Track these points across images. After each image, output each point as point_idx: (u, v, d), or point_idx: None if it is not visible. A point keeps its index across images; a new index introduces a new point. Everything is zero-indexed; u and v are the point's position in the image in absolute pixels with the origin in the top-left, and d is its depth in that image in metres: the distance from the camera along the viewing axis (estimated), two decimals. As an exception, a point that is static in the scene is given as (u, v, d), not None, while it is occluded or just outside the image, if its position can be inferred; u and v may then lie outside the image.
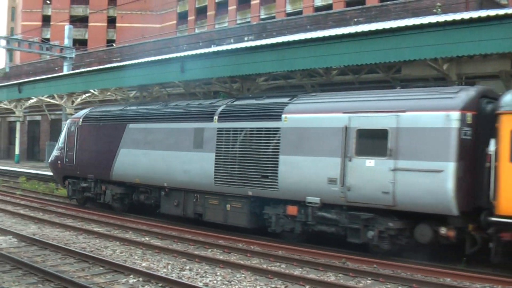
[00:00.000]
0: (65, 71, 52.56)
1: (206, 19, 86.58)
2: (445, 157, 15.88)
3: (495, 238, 15.28)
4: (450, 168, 15.73)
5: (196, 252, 18.10)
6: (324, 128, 18.71)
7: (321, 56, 21.64)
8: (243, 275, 15.24)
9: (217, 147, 21.82)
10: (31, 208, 28.70)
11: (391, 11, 36.84)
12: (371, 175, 17.31)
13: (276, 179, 19.64)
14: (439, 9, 32.30)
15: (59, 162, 30.34)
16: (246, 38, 43.59)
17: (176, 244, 19.83)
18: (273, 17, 67.79)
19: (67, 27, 59.40)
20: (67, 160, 29.60)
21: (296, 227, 19.58)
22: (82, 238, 20.60)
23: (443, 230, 16.11)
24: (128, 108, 27.85)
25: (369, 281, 15.05)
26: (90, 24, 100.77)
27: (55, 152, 31.08)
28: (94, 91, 37.18)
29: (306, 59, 22.02)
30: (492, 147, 15.30)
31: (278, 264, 16.98)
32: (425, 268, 15.95)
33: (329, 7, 62.88)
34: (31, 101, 45.89)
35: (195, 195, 22.91)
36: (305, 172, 18.93)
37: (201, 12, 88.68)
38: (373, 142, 17.50)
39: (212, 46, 42.26)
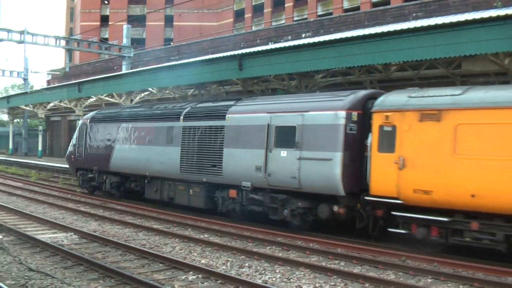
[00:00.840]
0: (124, 70, 53.25)
1: (263, 17, 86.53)
2: (334, 148, 19.45)
3: (372, 215, 19.03)
4: (337, 157, 19.30)
5: (255, 250, 18.10)
6: (253, 126, 22.69)
7: (380, 52, 21.49)
8: (302, 273, 15.19)
9: (182, 142, 26.35)
10: (91, 205, 29.11)
11: (450, 6, 36.34)
12: (284, 163, 21.08)
13: (221, 168, 23.86)
14: (499, 3, 31.75)
15: (72, 156, 35.82)
16: (303, 35, 43.48)
17: (235, 242, 19.87)
18: (330, 13, 67.44)
19: (125, 26, 60.13)
20: (78, 154, 34.91)
21: (236, 207, 23.70)
22: (142, 235, 20.80)
23: (335, 208, 19.69)
24: (122, 110, 33.38)
25: (429, 280, 14.84)
26: (147, 23, 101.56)
27: (70, 148, 36.52)
28: (153, 89, 37.48)
29: (365, 55, 21.89)
30: (368, 139, 18.81)
31: (337, 262, 16.86)
32: (487, 267, 15.65)
33: (387, 2, 62.22)
34: (91, 100, 46.43)
35: (168, 182, 27.44)
36: (240, 162, 22.98)
37: (258, 9, 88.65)
38: (286, 136, 21.20)
39: (270, 43, 42.27)
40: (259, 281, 13.98)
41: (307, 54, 24.07)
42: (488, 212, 16.14)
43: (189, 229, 22.31)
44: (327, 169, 19.57)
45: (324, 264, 16.32)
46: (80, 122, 37.14)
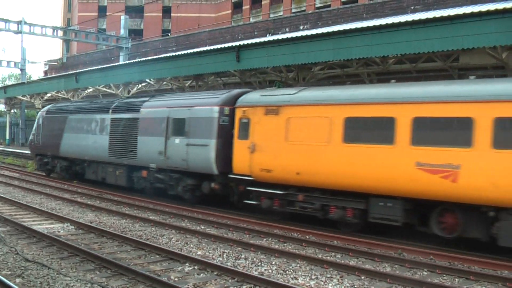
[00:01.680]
0: (121, 61, 53.26)
1: (261, 8, 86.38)
2: (209, 136, 24.09)
3: (236, 189, 23.74)
4: (212, 143, 23.93)
5: (251, 241, 18.12)
6: (158, 118, 27.41)
7: (378, 44, 21.51)
8: (298, 265, 15.21)
9: (110, 131, 31.18)
10: (88, 196, 29.14)
11: (448, -1, 36.37)
12: (177, 149, 25.85)
13: (136, 152, 28.66)
14: (498, -4, 31.73)
15: (32, 143, 41.44)
16: (301, 27, 43.48)
17: (231, 233, 19.89)
18: (329, 6, 67.37)
19: (123, 17, 60.14)
20: (36, 142, 40.31)
21: (147, 185, 28.42)
22: (139, 226, 20.81)
23: (213, 185, 24.35)
24: (70, 104, 39.23)
25: (425, 273, 14.86)
26: (145, 14, 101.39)
27: (31, 137, 42.02)
28: (150, 80, 37.46)
29: (363, 48, 21.91)
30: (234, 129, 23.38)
31: (333, 254, 16.88)
32: (482, 260, 15.68)
33: (385, -5, 62.29)
34: (88, 90, 46.39)
35: (102, 165, 32.26)
36: (149, 148, 27.70)
37: (256, 1, 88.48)
38: (179, 126, 25.96)
39: (268, 35, 42.26)
40: (255, 273, 13.98)
41: (305, 46, 24.08)
42: (309, 186, 20.55)
43: (186, 221, 22.33)
44: (205, 153, 24.35)
45: (320, 256, 16.33)
46: (38, 114, 42.80)
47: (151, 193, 28.25)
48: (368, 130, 18.95)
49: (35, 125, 41.44)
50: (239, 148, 22.94)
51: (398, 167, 17.87)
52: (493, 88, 16.60)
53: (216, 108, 24.04)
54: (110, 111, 31.60)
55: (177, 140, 25.96)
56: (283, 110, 21.30)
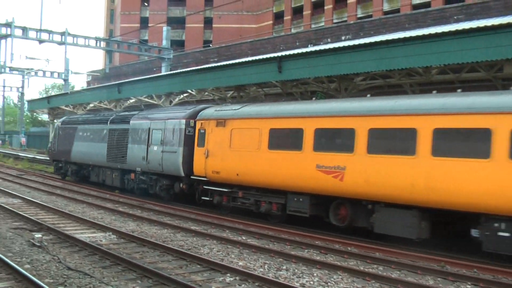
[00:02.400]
0: (163, 71, 53.43)
1: (303, 19, 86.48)
2: (178, 144, 29.21)
3: (197, 188, 28.57)
4: (180, 150, 29.02)
5: (293, 252, 18.05)
6: (142, 129, 33.03)
7: (421, 55, 21.27)
8: (340, 277, 15.10)
9: (108, 140, 36.86)
10: (129, 205, 29.35)
11: (491, 8, 35.99)
12: (155, 155, 31.14)
13: (126, 158, 34.16)
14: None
15: (50, 150, 48.39)
16: (343, 37, 43.34)
17: (272, 244, 19.85)
18: (370, 16, 67.24)
19: (164, 28, 60.40)
20: (53, 149, 46.54)
21: (134, 186, 33.92)
22: (180, 236, 20.85)
23: (181, 185, 29.50)
24: (80, 116, 46.27)
25: (468, 286, 14.68)
26: (187, 25, 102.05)
27: (49, 144, 49.88)
28: (192, 91, 37.54)
29: (405, 58, 21.69)
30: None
31: (375, 266, 16.75)
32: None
33: (427, 4, 61.86)
34: (130, 101, 46.66)
35: (102, 169, 38.17)
36: (136, 154, 33.15)
37: (298, 11, 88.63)
38: (157, 136, 31.28)
39: (309, 45, 42.17)
40: (296, 285, 13.94)
41: (347, 57, 23.93)
42: (246, 185, 25.31)
43: (227, 231, 22.34)
44: (174, 158, 29.39)
45: (362, 268, 16.23)
46: (55, 125, 49.56)
47: (138, 193, 33.58)
48: (285, 139, 23.71)
49: (52, 134, 49.27)
50: (198, 154, 28.08)
51: (305, 169, 22.09)
52: (372, 104, 20.77)
53: (183, 121, 29.23)
54: (108, 122, 37.49)
55: (155, 147, 31.26)
56: (228, 122, 26.48)
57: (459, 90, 19.59)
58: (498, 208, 16.47)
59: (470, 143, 17.68)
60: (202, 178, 27.57)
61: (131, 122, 34.22)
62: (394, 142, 19.76)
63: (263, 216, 25.04)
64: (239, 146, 25.51)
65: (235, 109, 26.46)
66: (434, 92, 20.18)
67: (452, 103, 18.23)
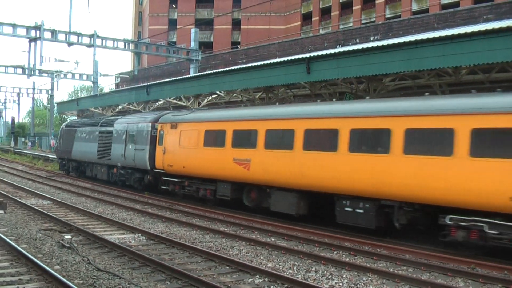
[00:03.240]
0: (192, 73, 53.57)
1: (331, 20, 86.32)
2: (146, 143, 35.35)
3: (160, 180, 34.23)
4: (147, 148, 35.08)
5: (322, 254, 18.00)
6: (121, 130, 39.32)
7: (450, 55, 21.10)
8: (369, 278, 15.04)
9: (98, 140, 42.92)
10: (158, 207, 29.47)
11: (522, 7, 35.63)
12: (130, 152, 37.23)
13: (110, 155, 40.28)
14: None
15: (57, 150, 55.72)
16: (372, 38, 43.15)
17: (301, 245, 19.80)
18: (399, 16, 66.91)
19: (193, 30, 60.59)
20: (59, 148, 53.50)
21: (116, 178, 40.14)
22: (209, 238, 20.90)
23: (148, 177, 35.72)
24: (79, 120, 54.86)
25: (500, 288, 14.56)
26: (215, 27, 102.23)
27: (56, 144, 58.62)
28: (220, 92, 37.57)
29: (434, 58, 21.53)
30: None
31: (405, 268, 16.64)
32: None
33: (456, 4, 61.44)
34: (159, 102, 46.79)
35: (94, 165, 44.36)
36: (117, 152, 39.30)
37: (326, 12, 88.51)
38: (131, 137, 37.49)
39: (338, 46, 42.04)
40: (326, 286, 13.92)
41: (376, 57, 23.80)
42: (191, 176, 31.08)
43: (256, 232, 22.33)
44: (143, 155, 35.60)
45: (391, 270, 16.14)
46: (61, 127, 56.73)
47: (120, 184, 39.95)
48: (214, 138, 29.20)
49: (58, 135, 56.05)
50: (158, 151, 34.08)
51: (226, 162, 27.65)
52: (265, 112, 26.87)
53: (150, 124, 35.61)
54: (99, 125, 43.86)
55: (130, 146, 37.48)
56: (178, 125, 32.53)
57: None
58: (342, 189, 21.66)
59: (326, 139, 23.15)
60: (161, 170, 33.70)
61: (114, 125, 40.88)
62: (277, 139, 25.33)
63: (202, 200, 31.17)
64: (185, 144, 31.51)
65: (183, 115, 33.00)
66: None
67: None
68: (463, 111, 17.97)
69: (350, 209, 21.58)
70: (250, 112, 27.95)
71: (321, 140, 23.08)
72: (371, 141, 21.23)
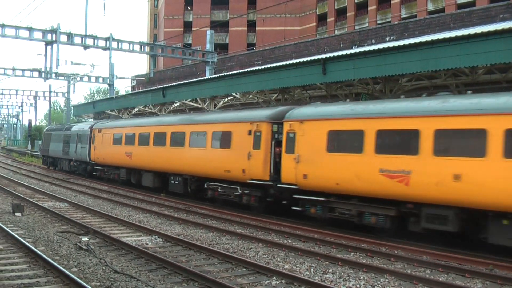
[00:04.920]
0: (207, 75, 53.53)
1: (346, 20, 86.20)
2: (87, 143, 48.34)
3: (93, 169, 49.81)
4: (87, 147, 48.43)
5: (339, 255, 17.94)
6: (74, 134, 51.87)
7: (467, 55, 21.01)
8: (386, 280, 14.98)
9: (63, 141, 55.74)
10: (175, 209, 29.46)
11: (539, 7, 35.41)
12: (78, 149, 50.46)
13: (69, 152, 53.02)
14: None
15: (40, 148, 71.53)
16: (387, 38, 43.00)
17: (318, 247, 19.74)
18: (414, 16, 66.76)
19: (208, 32, 60.59)
20: (42, 148, 67.96)
21: (73, 169, 53.31)
22: (225, 239, 20.87)
23: (88, 167, 50.51)
24: (53, 125, 76.09)
25: (519, 289, 14.47)
26: (230, 28, 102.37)
27: (40, 144, 75.56)
28: (236, 94, 37.57)
29: (451, 58, 21.44)
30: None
31: (422, 269, 16.55)
32: None
33: (472, 3, 61.18)
34: (175, 104, 46.85)
35: (61, 159, 58.41)
36: (72, 149, 52.36)
37: (341, 13, 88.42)
38: (79, 138, 50.66)
39: (353, 47, 41.93)
40: (343, 288, 13.84)
41: (392, 58, 23.73)
42: (109, 165, 45.54)
43: (272, 234, 22.28)
44: (85, 151, 48.58)
45: (409, 271, 16.06)
46: (43, 131, 74.77)
47: (77, 173, 52.75)
48: (118, 139, 41.18)
49: (42, 137, 71.48)
50: (92, 148, 47.35)
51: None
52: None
53: (89, 129, 49.02)
54: (64, 130, 57.71)
55: (79, 145, 50.85)
56: (101, 130, 46.05)
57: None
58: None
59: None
60: (92, 162, 47.98)
61: (71, 129, 54.67)
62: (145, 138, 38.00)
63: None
64: (106, 143, 44.83)
65: (103, 123, 47.72)
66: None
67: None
68: None
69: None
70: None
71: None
72: None
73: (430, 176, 18.59)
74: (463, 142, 18.20)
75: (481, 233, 18.16)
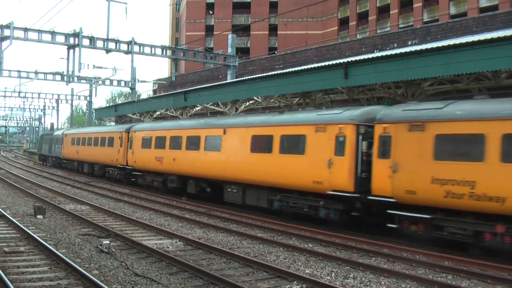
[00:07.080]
0: (229, 79, 53.54)
1: (368, 24, 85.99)
2: (60, 144, 69.35)
3: (62, 162, 70.49)
4: (61, 147, 69.06)
5: (360, 260, 17.86)
6: (55, 137, 72.14)
7: (489, 59, 20.88)
8: (408, 285, 14.90)
9: (49, 143, 76.55)
10: (196, 212, 29.45)
11: (563, 10, 35.11)
12: (57, 149, 70.31)
13: (54, 149, 73.14)
14: None
15: (38, 149, 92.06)
16: (409, 42, 42.83)
17: (339, 252, 19.67)
18: (437, 20, 66.38)
19: (230, 36, 60.59)
20: (39, 148, 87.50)
21: (54, 163, 73.84)
22: (246, 243, 20.84)
23: (62, 162, 69.38)
24: (46, 131, 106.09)
25: (542, 295, 14.34)
26: (252, 32, 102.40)
27: (39, 145, 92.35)
28: (257, 98, 37.57)
29: (474, 62, 21.32)
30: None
31: (444, 275, 16.43)
32: None
33: (494, 7, 60.84)
34: (196, 108, 46.95)
35: (49, 157, 78.20)
36: (53, 148, 72.58)
37: (363, 17, 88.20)
38: (57, 140, 70.32)
39: (375, 51, 41.81)
40: (364, 293, 13.77)
41: (414, 62, 23.64)
42: (69, 159, 67.34)
43: (293, 238, 22.23)
44: (59, 150, 69.33)
45: (431, 277, 15.95)
46: (39, 136, 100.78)
47: (62, 167, 67.81)
48: (83, 140, 56.90)
49: (39, 140, 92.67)
50: (62, 147, 65.86)
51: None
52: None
53: (61, 134, 66.39)
54: (51, 134, 75.17)
55: (57, 145, 67.80)
56: (66, 134, 64.86)
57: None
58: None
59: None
60: (59, 156, 66.80)
61: (53, 134, 73.06)
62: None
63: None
64: (69, 144, 62.02)
65: (67, 129, 61.50)
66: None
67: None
68: None
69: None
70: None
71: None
72: None
73: None
74: None
75: None
